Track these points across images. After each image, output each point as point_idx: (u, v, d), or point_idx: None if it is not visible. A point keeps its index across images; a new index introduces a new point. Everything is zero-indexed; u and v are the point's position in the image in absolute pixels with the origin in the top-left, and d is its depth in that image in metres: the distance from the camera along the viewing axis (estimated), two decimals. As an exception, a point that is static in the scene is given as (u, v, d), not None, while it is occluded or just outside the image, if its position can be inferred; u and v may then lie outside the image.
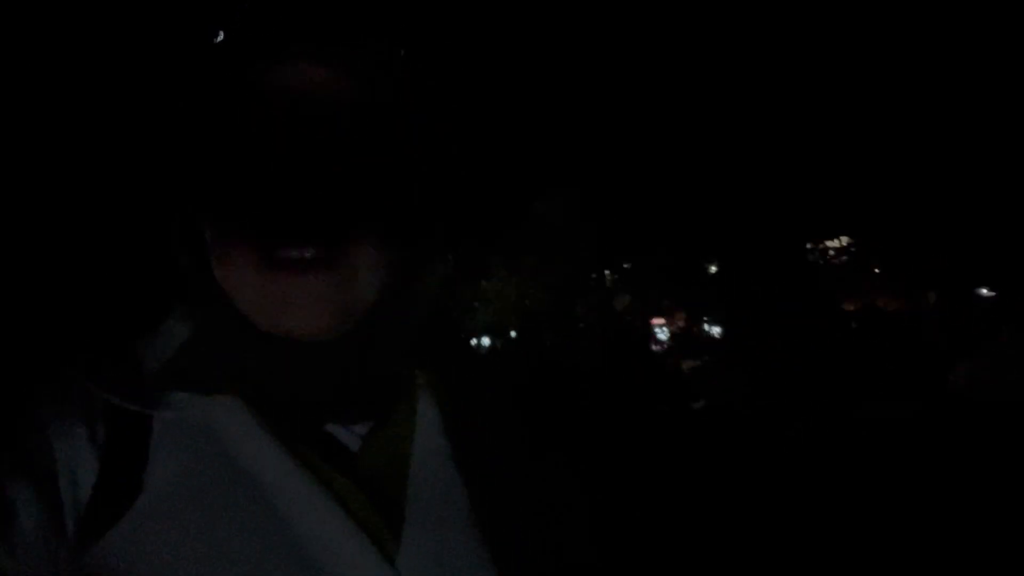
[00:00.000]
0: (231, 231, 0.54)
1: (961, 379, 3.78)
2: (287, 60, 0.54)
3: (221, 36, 0.55)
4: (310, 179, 0.53)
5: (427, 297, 0.62)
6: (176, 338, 0.58)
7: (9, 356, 0.55)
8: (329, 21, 0.56)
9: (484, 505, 0.60)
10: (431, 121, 0.61)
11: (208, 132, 0.55)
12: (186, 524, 0.51)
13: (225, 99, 0.55)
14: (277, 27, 0.55)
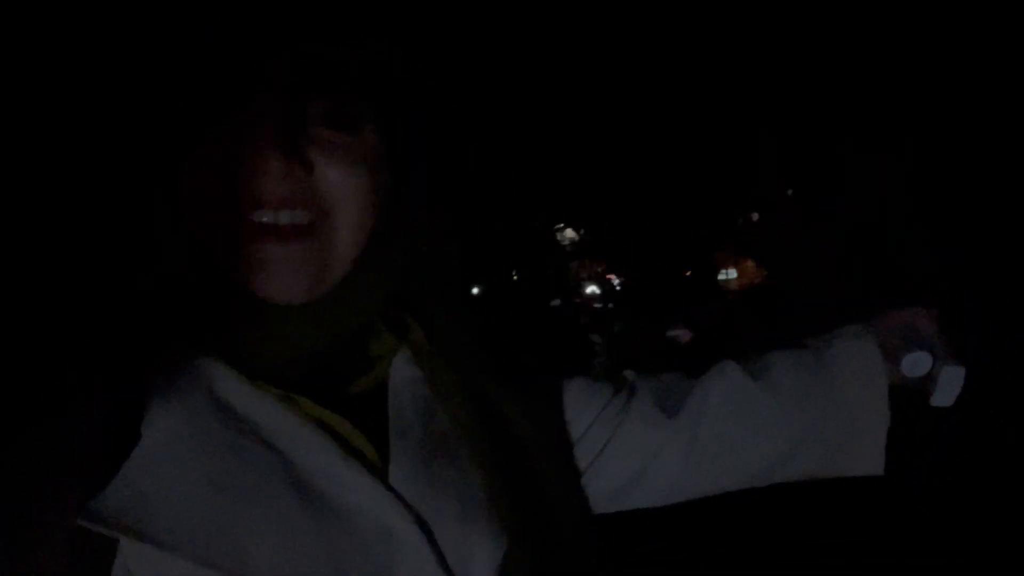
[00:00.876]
0: (212, 194, 0.54)
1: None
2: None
3: (217, 32, 0.55)
4: (299, 147, 0.54)
5: (402, 257, 0.64)
6: (160, 296, 0.58)
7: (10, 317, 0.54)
8: (328, 19, 0.56)
9: (460, 422, 0.63)
10: (422, 97, 0.62)
11: (200, 113, 0.55)
12: (191, 465, 0.51)
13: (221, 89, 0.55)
14: (276, 24, 0.54)
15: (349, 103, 0.57)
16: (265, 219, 0.54)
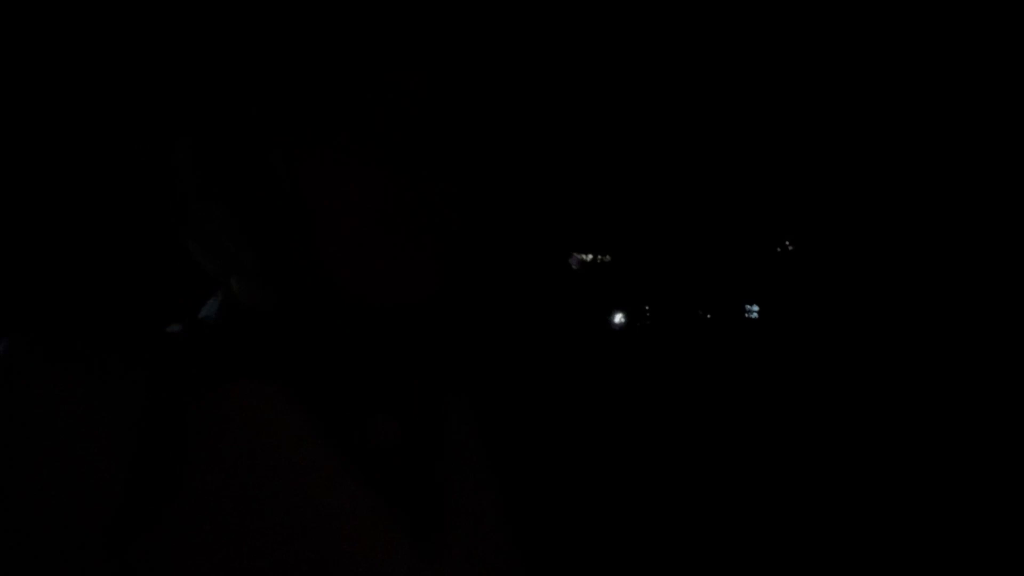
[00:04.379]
0: (341, 204, 0.55)
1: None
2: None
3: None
4: (414, 151, 0.56)
5: (471, 290, 0.65)
6: (219, 321, 0.58)
7: (39, 331, 0.53)
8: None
9: (516, 502, 0.61)
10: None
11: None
12: (229, 522, 0.50)
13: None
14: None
15: (457, 129, 0.59)
16: (389, 221, 0.55)
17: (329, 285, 0.56)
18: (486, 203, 0.62)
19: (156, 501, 0.49)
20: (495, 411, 0.65)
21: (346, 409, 0.57)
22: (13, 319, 0.56)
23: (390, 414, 0.58)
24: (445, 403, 0.62)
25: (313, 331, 0.56)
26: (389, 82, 0.56)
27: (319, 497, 0.53)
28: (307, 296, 0.56)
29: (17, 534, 0.46)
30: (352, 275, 0.55)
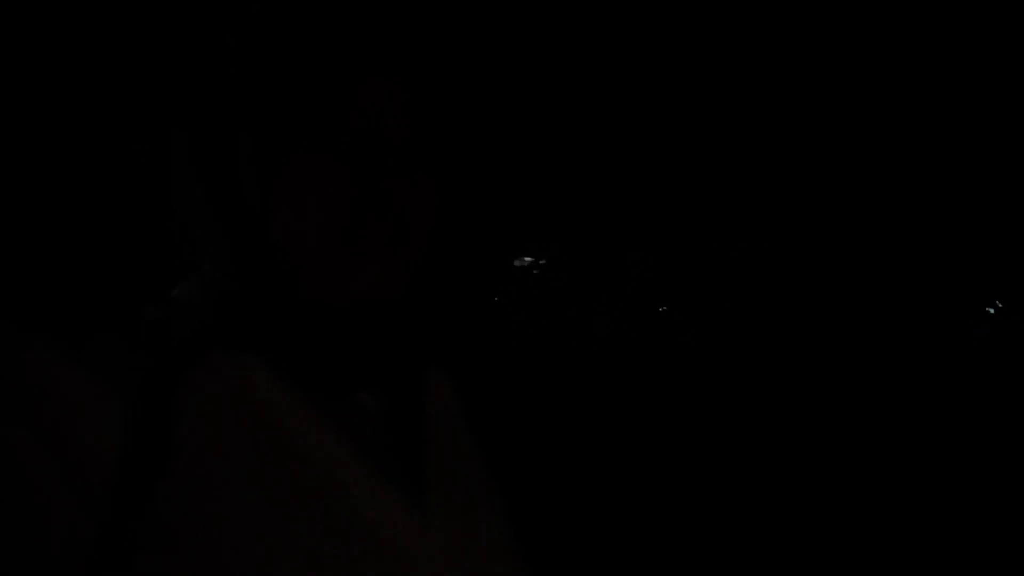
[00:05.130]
0: (303, 207, 0.55)
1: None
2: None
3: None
4: (381, 155, 0.56)
5: (457, 268, 0.65)
6: (200, 300, 0.58)
7: (27, 308, 0.54)
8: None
9: (498, 465, 0.62)
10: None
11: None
12: (225, 489, 0.50)
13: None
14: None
15: (435, 130, 0.58)
16: (349, 227, 0.55)
17: (291, 282, 0.56)
18: (456, 206, 0.63)
19: (149, 480, 0.49)
20: (478, 394, 0.66)
21: (327, 387, 0.57)
22: (6, 291, 0.56)
23: (371, 392, 0.59)
24: (426, 383, 0.63)
25: (286, 317, 0.57)
26: (363, 86, 0.56)
27: (310, 461, 0.53)
28: (273, 289, 0.57)
29: (7, 524, 0.46)
30: (310, 276, 0.56)
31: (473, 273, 0.66)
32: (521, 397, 0.69)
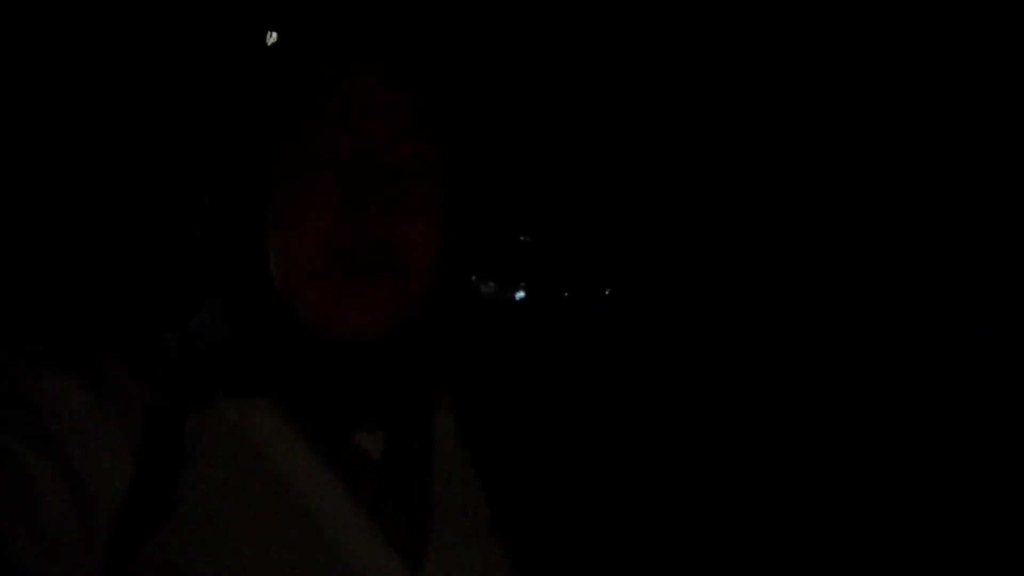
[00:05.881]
0: (305, 236, 0.55)
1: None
2: (348, 70, 0.56)
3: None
4: (382, 188, 0.55)
5: (455, 298, 0.64)
6: (211, 335, 0.58)
7: (41, 336, 0.54)
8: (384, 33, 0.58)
9: (504, 515, 0.61)
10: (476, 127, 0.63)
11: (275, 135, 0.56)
12: (226, 537, 0.51)
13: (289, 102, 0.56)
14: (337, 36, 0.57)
15: (431, 149, 0.58)
16: (363, 258, 0.55)
17: (293, 317, 0.57)
18: (458, 233, 0.62)
19: (156, 509, 0.50)
20: (477, 418, 0.65)
21: (331, 421, 0.57)
22: (11, 320, 0.56)
23: (374, 425, 0.59)
24: (429, 412, 0.63)
25: (289, 350, 0.57)
26: (358, 109, 0.56)
27: (310, 506, 0.54)
28: (273, 322, 0.57)
29: (21, 538, 0.45)
30: (308, 310, 0.56)
31: (473, 300, 0.65)
32: (525, 427, 0.69)
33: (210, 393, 0.55)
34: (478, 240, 0.64)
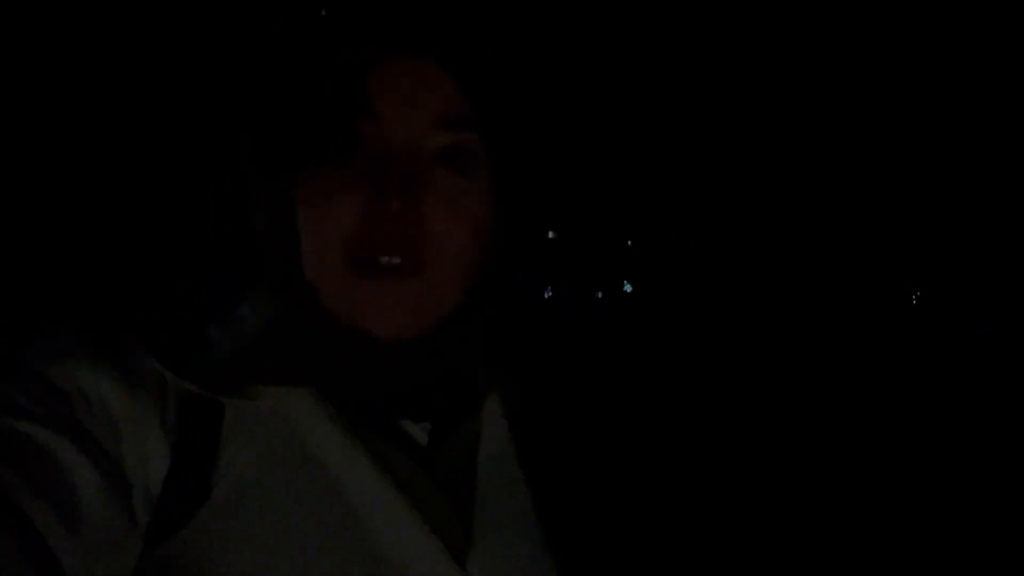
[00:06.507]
0: (326, 233, 0.54)
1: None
2: (385, 62, 0.54)
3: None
4: (420, 191, 0.53)
5: (496, 299, 0.62)
6: (251, 326, 0.57)
7: (74, 331, 0.53)
8: (431, 22, 0.56)
9: (548, 508, 0.60)
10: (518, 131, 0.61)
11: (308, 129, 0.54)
12: (262, 521, 0.50)
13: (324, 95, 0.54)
14: (378, 25, 0.55)
15: (467, 142, 0.56)
16: (382, 260, 0.53)
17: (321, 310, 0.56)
18: (497, 228, 0.59)
19: (192, 496, 0.50)
20: (524, 411, 0.64)
21: (375, 411, 0.56)
22: (51, 314, 0.57)
23: (419, 415, 0.58)
24: (475, 403, 0.62)
25: (328, 342, 0.56)
26: (387, 98, 0.54)
27: (349, 492, 0.53)
28: (313, 314, 0.56)
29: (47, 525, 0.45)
30: (334, 309, 0.55)
31: (511, 294, 0.64)
32: (571, 420, 0.67)
33: (249, 382, 0.54)
34: (523, 235, 0.62)
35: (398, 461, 0.55)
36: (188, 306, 0.58)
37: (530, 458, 0.62)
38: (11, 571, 0.40)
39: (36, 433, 0.46)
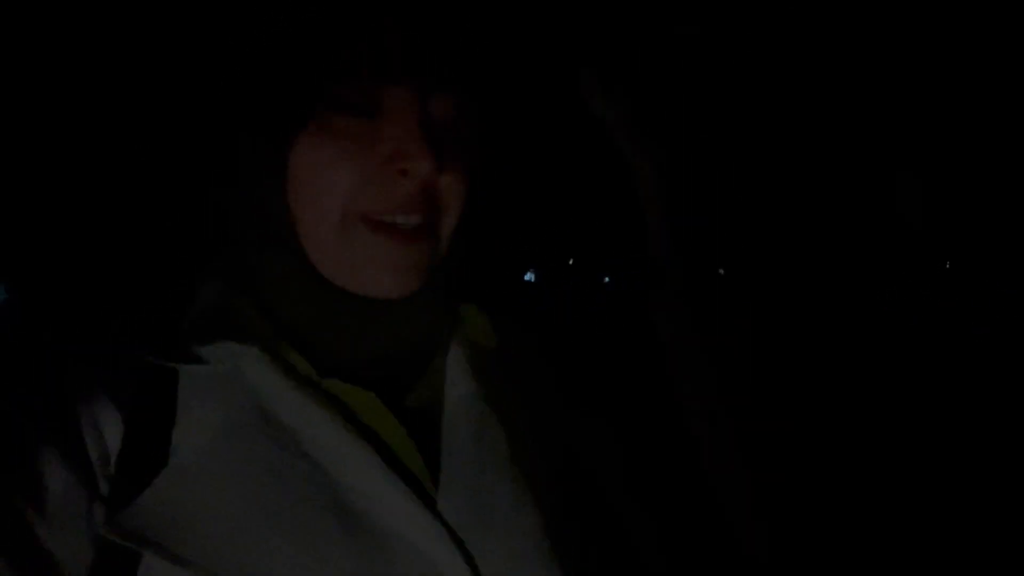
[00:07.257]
0: (332, 192, 0.52)
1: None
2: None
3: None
4: (442, 150, 0.52)
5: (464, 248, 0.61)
6: (207, 294, 0.56)
7: (32, 315, 0.53)
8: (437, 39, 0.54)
9: (519, 447, 0.59)
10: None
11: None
12: (224, 482, 0.49)
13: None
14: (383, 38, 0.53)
15: (469, 101, 0.55)
16: (399, 220, 0.52)
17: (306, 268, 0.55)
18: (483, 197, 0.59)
19: (151, 460, 0.49)
20: (497, 354, 0.64)
21: (346, 371, 0.55)
22: (55, 320, 0.57)
23: (386, 369, 0.57)
24: (438, 352, 0.61)
25: (304, 300, 0.55)
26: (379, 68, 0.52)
27: (317, 457, 0.52)
28: (292, 270, 0.55)
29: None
30: (333, 267, 0.54)
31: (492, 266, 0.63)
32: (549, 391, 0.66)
33: (201, 346, 0.53)
34: (500, 207, 0.62)
35: (364, 413, 0.54)
36: (156, 287, 0.57)
37: (498, 398, 0.60)
38: None
39: None
